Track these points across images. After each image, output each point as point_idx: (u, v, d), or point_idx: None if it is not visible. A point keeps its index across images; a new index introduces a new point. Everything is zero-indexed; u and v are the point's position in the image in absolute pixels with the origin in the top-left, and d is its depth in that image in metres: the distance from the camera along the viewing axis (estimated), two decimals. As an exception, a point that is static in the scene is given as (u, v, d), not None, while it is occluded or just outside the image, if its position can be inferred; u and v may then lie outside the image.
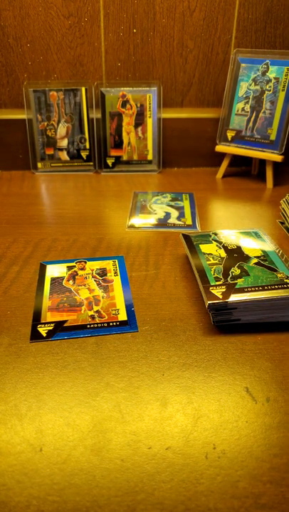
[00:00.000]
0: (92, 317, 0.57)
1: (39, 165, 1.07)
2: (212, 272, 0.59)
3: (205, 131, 1.09)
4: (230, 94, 1.00)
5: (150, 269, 0.68)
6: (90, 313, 0.58)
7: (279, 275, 0.57)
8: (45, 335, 0.54)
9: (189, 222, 0.84)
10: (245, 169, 1.12)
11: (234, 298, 0.53)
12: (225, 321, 0.54)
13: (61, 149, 1.07)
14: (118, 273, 0.67)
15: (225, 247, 0.65)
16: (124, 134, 1.06)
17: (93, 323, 0.56)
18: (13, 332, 0.55)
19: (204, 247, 0.65)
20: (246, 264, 0.60)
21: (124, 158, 1.08)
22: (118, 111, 1.04)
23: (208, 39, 1.02)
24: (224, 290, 0.55)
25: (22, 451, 0.40)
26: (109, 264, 0.69)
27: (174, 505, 0.36)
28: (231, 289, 0.55)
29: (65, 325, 0.56)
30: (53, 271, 0.67)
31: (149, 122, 1.05)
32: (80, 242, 0.76)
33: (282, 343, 0.53)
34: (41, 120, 1.04)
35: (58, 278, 0.65)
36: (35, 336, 0.54)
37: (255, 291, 0.54)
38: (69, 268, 0.68)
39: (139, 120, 1.05)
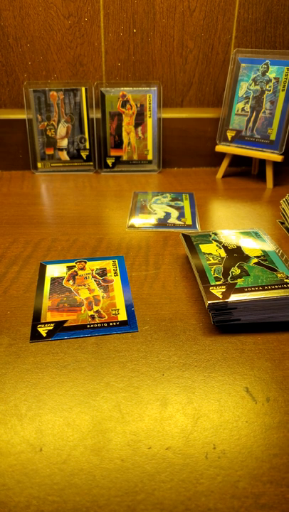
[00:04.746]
0: (92, 317, 0.57)
1: (39, 165, 1.07)
2: (212, 272, 0.59)
3: (205, 131, 1.09)
4: (230, 94, 1.00)
5: (150, 269, 0.68)
6: (90, 313, 0.58)
7: (279, 275, 0.57)
8: (45, 335, 0.54)
9: (189, 222, 0.84)
10: (245, 169, 1.12)
11: (234, 298, 0.53)
12: (225, 321, 0.54)
13: (61, 149, 1.07)
14: (118, 273, 0.67)
15: (225, 247, 0.65)
16: (124, 134, 1.06)
17: (93, 323, 0.56)
18: (13, 332, 0.55)
19: (204, 247, 0.65)
20: (246, 264, 0.60)
21: (124, 158, 1.08)
22: (118, 111, 1.04)
23: (208, 39, 1.02)
24: (224, 290, 0.55)
25: (22, 451, 0.40)
26: (109, 264, 0.69)
27: (174, 505, 0.36)
28: (231, 288, 0.55)
29: (65, 325, 0.56)
30: (53, 271, 0.67)
31: (149, 122, 1.05)
32: (80, 242, 0.76)
33: (282, 343, 0.53)
34: (41, 120, 1.04)
35: (58, 278, 0.65)
36: (35, 336, 0.54)
37: (255, 291, 0.54)
38: (69, 268, 0.68)
39: (139, 120, 1.05)
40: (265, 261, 0.61)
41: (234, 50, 1.00)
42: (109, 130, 1.06)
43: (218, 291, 0.54)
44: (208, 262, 0.61)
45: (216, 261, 0.61)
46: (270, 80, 0.95)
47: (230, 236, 0.68)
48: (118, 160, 1.08)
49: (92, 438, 0.41)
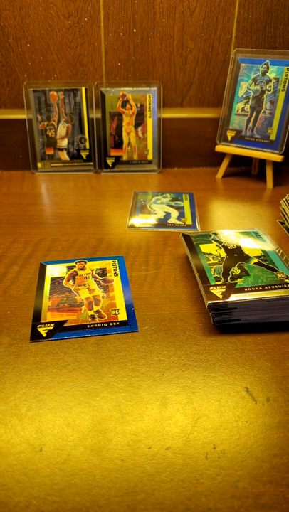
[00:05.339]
0: (92, 317, 0.57)
1: (39, 165, 1.07)
2: (212, 272, 0.59)
3: (205, 131, 1.09)
4: (230, 94, 1.00)
5: (150, 269, 0.68)
6: (90, 313, 0.58)
7: (279, 275, 0.57)
8: (45, 335, 0.54)
9: (189, 222, 0.84)
10: (245, 169, 1.12)
11: (234, 298, 0.53)
12: (225, 321, 0.54)
13: (61, 149, 1.07)
14: (118, 273, 0.67)
15: (225, 247, 0.65)
16: (124, 134, 1.06)
17: (93, 323, 0.56)
18: (13, 332, 0.55)
19: (204, 247, 0.65)
20: (246, 264, 0.60)
21: (124, 158, 1.08)
22: (118, 111, 1.04)
23: (208, 39, 1.02)
24: (224, 290, 0.55)
25: (22, 451, 0.40)
26: (109, 264, 0.69)
27: (174, 505, 0.36)
28: (231, 288, 0.55)
29: (65, 325, 0.56)
30: (53, 271, 0.67)
31: (149, 122, 1.05)
32: (80, 242, 0.76)
33: (282, 343, 0.53)
34: (41, 120, 1.04)
35: (58, 278, 0.65)
36: (35, 336, 0.54)
37: (255, 291, 0.54)
38: (69, 268, 0.68)
39: (139, 120, 1.05)
40: (265, 261, 0.61)
41: (234, 50, 1.00)
42: (109, 130, 1.06)
43: (218, 291, 0.54)
44: (208, 262, 0.61)
45: (216, 261, 0.61)
46: (270, 80, 0.95)
47: (230, 236, 0.68)
48: (118, 160, 1.08)
49: (92, 438, 0.41)
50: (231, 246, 0.65)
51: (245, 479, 0.38)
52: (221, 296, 0.54)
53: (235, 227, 0.82)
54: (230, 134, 1.02)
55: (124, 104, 1.04)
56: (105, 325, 0.56)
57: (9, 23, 0.98)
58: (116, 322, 0.56)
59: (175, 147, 1.10)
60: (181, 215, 0.86)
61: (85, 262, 0.69)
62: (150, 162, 1.09)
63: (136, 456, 0.40)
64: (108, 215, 0.86)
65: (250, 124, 0.99)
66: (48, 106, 1.03)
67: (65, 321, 0.56)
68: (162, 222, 0.83)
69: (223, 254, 0.63)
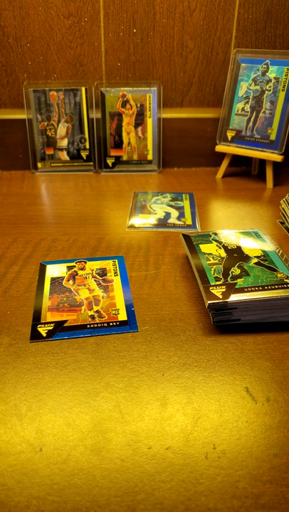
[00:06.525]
0: (92, 317, 0.57)
1: (39, 165, 1.07)
2: (212, 272, 0.59)
3: (205, 131, 1.09)
4: (230, 94, 1.00)
5: (150, 269, 0.68)
6: (90, 313, 0.58)
7: (279, 275, 0.57)
8: (45, 335, 0.54)
9: (189, 222, 0.84)
10: (245, 169, 1.12)
11: (234, 298, 0.53)
12: (225, 321, 0.54)
13: (61, 149, 1.07)
14: (118, 273, 0.67)
15: (225, 247, 0.65)
16: (124, 134, 1.06)
17: (93, 323, 0.56)
18: (13, 332, 0.55)
19: (204, 247, 0.65)
20: (246, 264, 0.60)
21: (124, 158, 1.08)
22: (118, 111, 1.04)
23: (208, 39, 1.02)
24: (224, 290, 0.55)
25: (22, 451, 0.40)
26: (109, 264, 0.69)
27: (174, 505, 0.36)
28: (231, 288, 0.55)
29: (65, 325, 0.56)
30: (53, 271, 0.67)
31: (149, 122, 1.05)
32: (80, 242, 0.76)
33: (282, 343, 0.53)
34: (41, 120, 1.04)
35: (58, 278, 0.65)
36: (35, 335, 0.54)
37: (255, 291, 0.54)
38: (69, 268, 0.68)
39: (139, 120, 1.05)
40: (265, 261, 0.61)
41: (234, 50, 1.00)
42: (109, 130, 1.06)
43: (218, 291, 0.54)
44: (208, 262, 0.61)
45: (216, 261, 0.61)
46: (270, 80, 0.95)
47: (230, 236, 0.68)
48: (118, 160, 1.08)
49: (92, 438, 0.41)
50: (231, 246, 0.65)
51: (245, 479, 0.38)
52: (221, 296, 0.54)
53: (235, 227, 0.82)
54: (230, 134, 1.02)
55: (124, 104, 1.04)
56: (105, 325, 0.56)
57: (9, 23, 0.98)
58: (116, 322, 0.56)
59: (175, 147, 1.10)
60: (181, 215, 0.86)
61: (85, 262, 0.69)
62: (150, 162, 1.09)
63: (136, 456, 0.40)
64: (108, 215, 0.87)
65: (250, 124, 0.99)
66: (48, 106, 1.03)
67: (65, 321, 0.56)
68: (162, 222, 0.83)
69: (223, 254, 0.63)
